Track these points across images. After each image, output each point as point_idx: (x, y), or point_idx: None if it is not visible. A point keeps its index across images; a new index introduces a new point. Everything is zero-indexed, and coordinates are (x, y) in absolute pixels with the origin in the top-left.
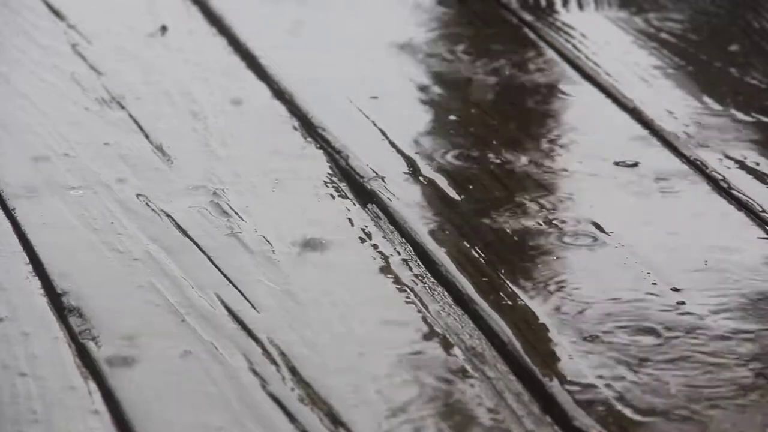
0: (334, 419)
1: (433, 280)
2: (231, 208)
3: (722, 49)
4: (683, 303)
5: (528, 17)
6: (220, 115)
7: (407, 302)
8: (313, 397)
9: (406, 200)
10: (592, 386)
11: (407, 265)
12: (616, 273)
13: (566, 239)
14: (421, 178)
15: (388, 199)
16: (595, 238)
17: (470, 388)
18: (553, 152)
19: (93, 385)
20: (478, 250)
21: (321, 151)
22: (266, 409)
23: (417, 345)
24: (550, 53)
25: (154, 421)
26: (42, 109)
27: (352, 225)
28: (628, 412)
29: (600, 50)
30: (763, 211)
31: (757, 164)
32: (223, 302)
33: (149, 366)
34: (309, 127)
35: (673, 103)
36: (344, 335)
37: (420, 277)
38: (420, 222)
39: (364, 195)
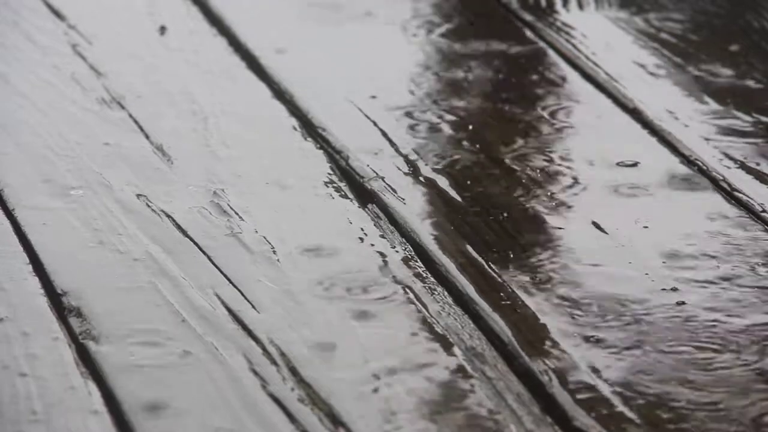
0: (334, 419)
1: (433, 280)
2: (231, 208)
3: (722, 49)
4: (683, 303)
5: (528, 17)
6: (220, 115)
7: (407, 302)
8: (313, 398)
9: (406, 200)
10: (592, 386)
11: (407, 264)
12: (616, 273)
13: (566, 239)
14: (421, 178)
15: (388, 199)
16: (595, 238)
17: (470, 388)
18: (553, 152)
19: (93, 385)
20: (478, 250)
21: (321, 151)
22: (266, 410)
23: (417, 345)
24: (551, 53)
25: (154, 421)
26: (42, 109)
27: (352, 225)
28: (628, 412)
29: (600, 50)
30: (764, 211)
31: (757, 164)
32: (223, 302)
33: (149, 366)
34: (309, 127)
35: (673, 103)
36: (344, 335)
37: (420, 277)
38: (420, 222)
39: (364, 195)
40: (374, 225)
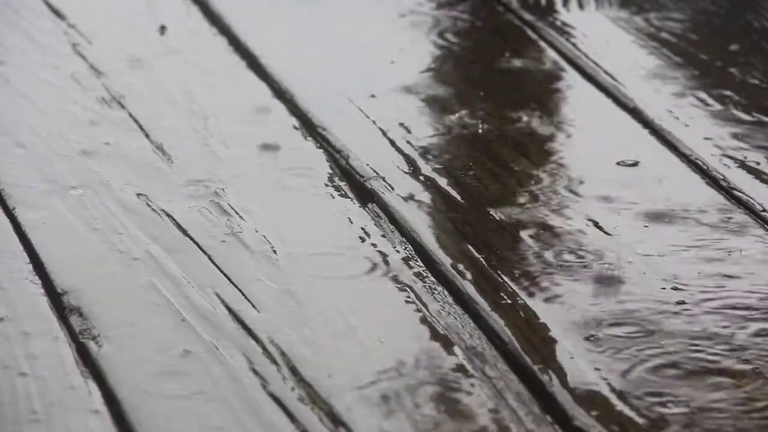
0: (334, 419)
1: (433, 279)
2: (231, 207)
3: (722, 49)
4: (683, 303)
5: (528, 17)
6: (220, 115)
7: (407, 302)
8: (313, 397)
9: (407, 199)
10: (593, 386)
11: (407, 264)
12: (617, 272)
13: (566, 239)
14: (421, 178)
15: (388, 198)
16: (595, 238)
17: (470, 387)
18: (553, 152)
19: (93, 385)
20: (478, 249)
21: (321, 150)
22: (266, 409)
23: (417, 344)
24: (551, 53)
25: (154, 421)
26: (42, 109)
27: (352, 224)
28: (628, 411)
29: (600, 50)
30: (764, 210)
31: (758, 164)
32: (223, 302)
33: (149, 366)
34: (309, 127)
35: (673, 103)
36: (344, 335)
37: (420, 277)
38: (420, 221)
39: (365, 194)
40: (374, 224)
